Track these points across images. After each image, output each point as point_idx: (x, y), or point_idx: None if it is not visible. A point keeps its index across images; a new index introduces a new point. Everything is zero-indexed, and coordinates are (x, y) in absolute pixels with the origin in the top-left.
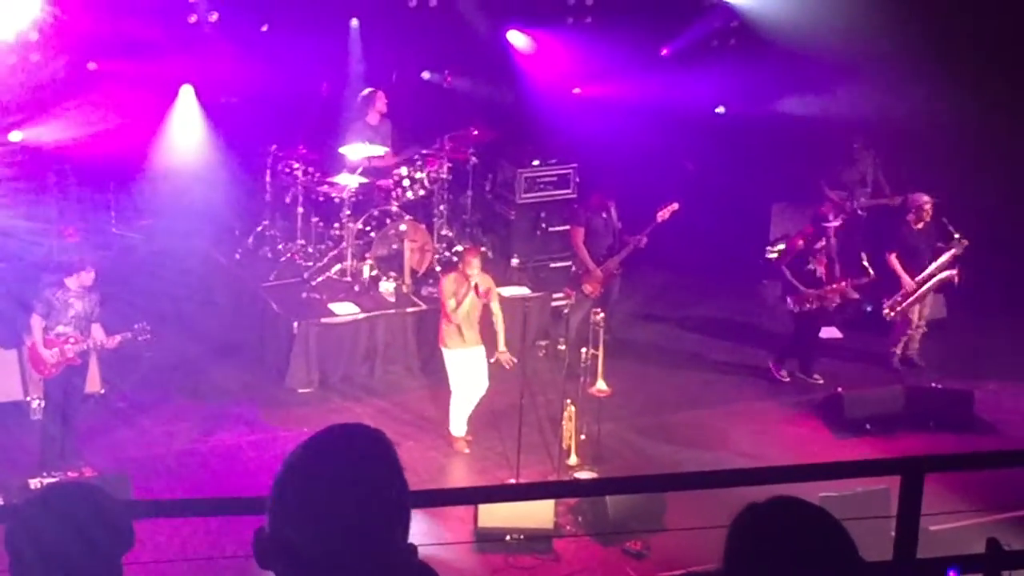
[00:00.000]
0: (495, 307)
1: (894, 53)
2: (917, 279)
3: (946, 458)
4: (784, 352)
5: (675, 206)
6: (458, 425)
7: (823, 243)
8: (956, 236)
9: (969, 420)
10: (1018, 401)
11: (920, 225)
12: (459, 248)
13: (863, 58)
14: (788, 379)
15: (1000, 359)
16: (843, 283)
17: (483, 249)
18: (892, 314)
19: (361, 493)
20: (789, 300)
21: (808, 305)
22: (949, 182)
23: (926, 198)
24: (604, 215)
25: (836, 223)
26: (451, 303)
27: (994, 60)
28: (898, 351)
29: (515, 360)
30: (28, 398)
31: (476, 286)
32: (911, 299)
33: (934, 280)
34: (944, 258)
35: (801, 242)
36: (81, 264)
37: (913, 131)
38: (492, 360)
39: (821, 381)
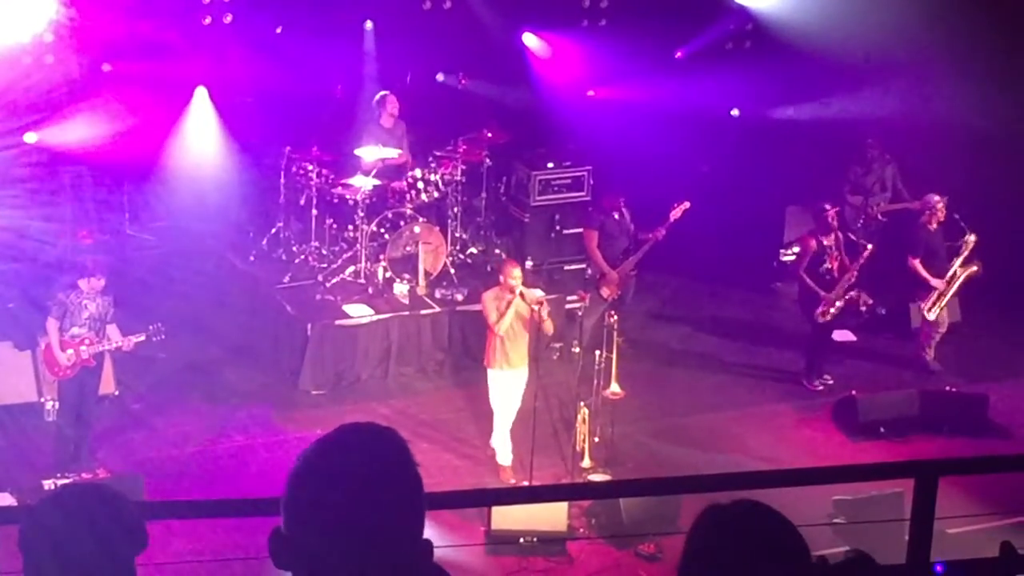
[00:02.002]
0: (548, 325)
1: (909, 55)
2: (946, 278)
3: (960, 461)
4: (810, 364)
5: (687, 205)
6: (504, 454)
7: (832, 238)
8: (967, 233)
9: (983, 423)
10: None
11: (935, 226)
12: (472, 250)
13: (878, 60)
14: (824, 386)
15: (1015, 362)
16: (853, 269)
17: (498, 251)
18: (930, 310)
19: (373, 492)
20: (818, 311)
21: (834, 310)
22: (965, 184)
23: (937, 198)
24: (617, 216)
25: (835, 209)
26: (493, 316)
27: (1013, 60)
28: (931, 352)
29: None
30: (42, 399)
31: (522, 294)
32: (947, 296)
33: (961, 278)
34: (964, 254)
35: (814, 242)
36: (92, 269)
37: (929, 133)
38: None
39: (831, 382)
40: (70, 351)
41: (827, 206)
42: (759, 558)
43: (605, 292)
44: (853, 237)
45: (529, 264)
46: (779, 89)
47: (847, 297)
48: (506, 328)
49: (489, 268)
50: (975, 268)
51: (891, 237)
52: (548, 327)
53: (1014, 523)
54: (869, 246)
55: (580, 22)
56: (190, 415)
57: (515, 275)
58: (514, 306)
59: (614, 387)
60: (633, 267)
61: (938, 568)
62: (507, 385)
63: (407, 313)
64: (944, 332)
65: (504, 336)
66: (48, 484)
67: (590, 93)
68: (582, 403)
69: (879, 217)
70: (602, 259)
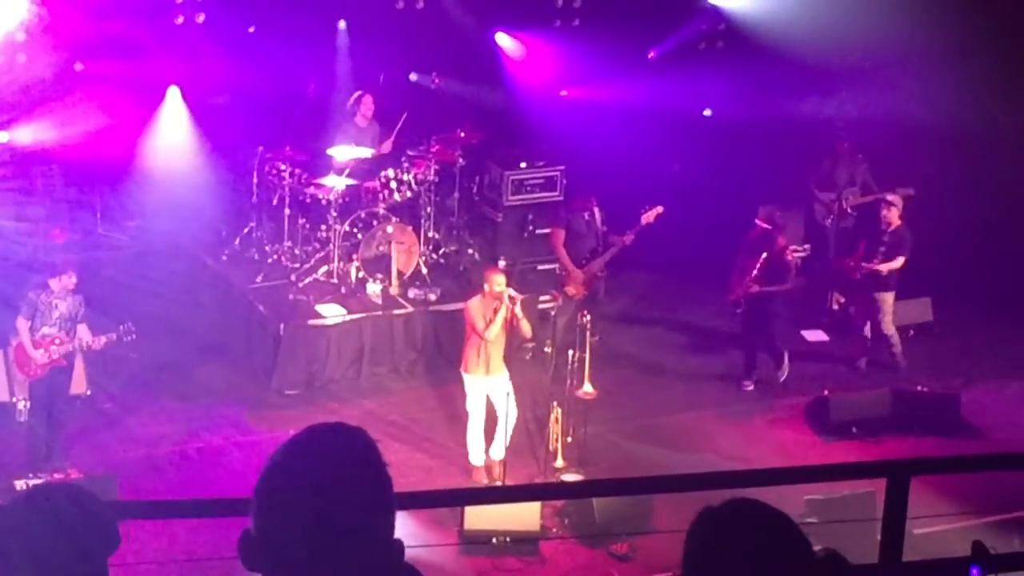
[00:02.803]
0: (525, 326)
1: (879, 54)
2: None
3: (932, 461)
4: (744, 362)
5: (660, 209)
6: (476, 454)
7: (760, 248)
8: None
9: (955, 423)
10: (1004, 404)
11: (884, 226)
12: (445, 250)
13: (848, 59)
14: (751, 387)
15: (986, 362)
16: (747, 288)
17: (471, 251)
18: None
19: (343, 492)
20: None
21: (732, 297)
22: (935, 183)
23: (890, 198)
24: (586, 216)
25: (765, 225)
26: (481, 323)
27: (981, 58)
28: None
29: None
30: (14, 399)
31: (511, 298)
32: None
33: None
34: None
35: (750, 235)
36: (63, 268)
37: (903, 133)
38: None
39: (750, 387)
40: (41, 351)
41: (759, 219)
42: (760, 554)
43: (570, 291)
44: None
45: (502, 264)
46: (751, 89)
47: (735, 301)
48: (495, 335)
49: (462, 268)
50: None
51: (862, 236)
52: (526, 328)
53: (986, 522)
54: (784, 287)
55: (553, 22)
56: (162, 415)
57: (500, 282)
58: (501, 312)
59: (587, 387)
60: (602, 268)
61: (974, 572)
62: (485, 391)
63: (380, 313)
64: (891, 337)
65: (485, 342)
66: (20, 484)
67: (563, 93)
68: (555, 403)
69: (848, 211)
70: (567, 257)
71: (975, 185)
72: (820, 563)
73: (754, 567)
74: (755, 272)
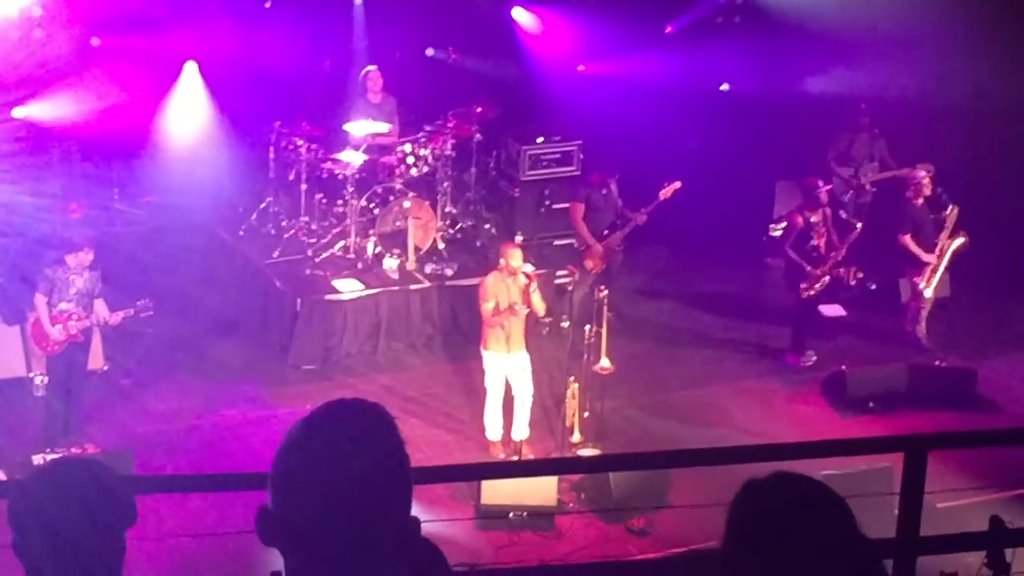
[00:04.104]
0: (536, 300)
1: (897, 28)
2: (936, 252)
3: (949, 436)
4: (795, 340)
5: (677, 184)
6: (493, 430)
7: (820, 215)
8: (949, 206)
9: (972, 398)
10: (1021, 379)
11: (920, 200)
12: (462, 225)
13: (867, 34)
14: (809, 362)
15: (1004, 337)
16: (841, 248)
17: (487, 226)
18: (927, 286)
19: (361, 467)
20: (802, 286)
21: (819, 286)
22: (954, 158)
23: (922, 173)
24: (604, 191)
25: (827, 187)
26: (489, 304)
27: (1003, 33)
28: (923, 327)
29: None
30: (31, 374)
31: (527, 275)
32: (939, 271)
33: (949, 250)
34: (949, 227)
35: (800, 219)
36: (80, 244)
37: (920, 107)
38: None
39: (815, 358)
40: (58, 326)
41: (820, 183)
42: (805, 527)
43: (589, 264)
44: (844, 215)
45: (519, 239)
46: (769, 63)
47: (833, 274)
48: (491, 315)
49: (479, 243)
50: (962, 240)
51: (880, 210)
52: (539, 306)
53: (1003, 497)
54: (859, 225)
55: None
56: (179, 390)
57: (517, 256)
58: (512, 292)
59: (604, 362)
60: (619, 242)
61: None
62: (504, 369)
63: (396, 288)
64: (931, 306)
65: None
66: (37, 459)
67: (580, 68)
68: (572, 378)
69: (867, 187)
70: (587, 231)
71: (994, 160)
72: (864, 537)
73: (799, 540)
74: (839, 240)
